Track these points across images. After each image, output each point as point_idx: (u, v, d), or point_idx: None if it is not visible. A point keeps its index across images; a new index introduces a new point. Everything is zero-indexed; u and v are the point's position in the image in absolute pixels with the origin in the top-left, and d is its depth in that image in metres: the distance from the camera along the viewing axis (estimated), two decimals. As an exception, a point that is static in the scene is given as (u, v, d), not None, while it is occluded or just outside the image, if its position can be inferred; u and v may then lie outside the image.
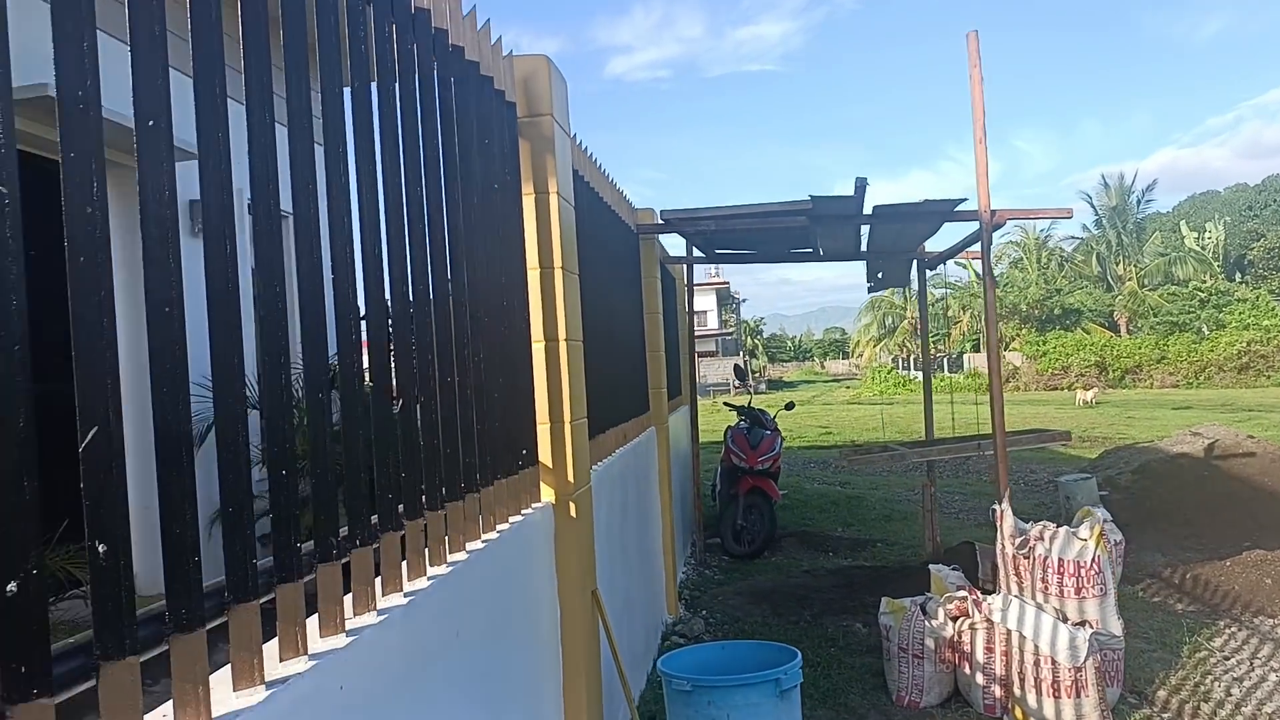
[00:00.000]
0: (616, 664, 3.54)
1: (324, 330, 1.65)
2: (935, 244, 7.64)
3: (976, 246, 6.54)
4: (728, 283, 53.74)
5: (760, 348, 67.14)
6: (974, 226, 6.30)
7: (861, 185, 5.46)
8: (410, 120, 2.21)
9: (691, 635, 5.88)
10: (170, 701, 1.21)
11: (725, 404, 9.78)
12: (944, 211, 6.14)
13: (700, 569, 7.73)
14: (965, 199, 5.80)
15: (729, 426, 9.06)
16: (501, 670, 2.55)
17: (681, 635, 5.89)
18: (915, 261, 7.80)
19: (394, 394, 1.99)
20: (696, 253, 7.97)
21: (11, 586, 0.94)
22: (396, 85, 2.14)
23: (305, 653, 1.49)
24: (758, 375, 48.58)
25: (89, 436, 1.07)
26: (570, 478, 3.24)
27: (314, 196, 1.64)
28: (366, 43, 1.95)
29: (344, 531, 1.71)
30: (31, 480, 0.96)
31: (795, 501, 10.56)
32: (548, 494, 3.22)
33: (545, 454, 3.22)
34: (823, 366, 75.73)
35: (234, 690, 1.34)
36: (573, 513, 3.24)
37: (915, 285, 8.22)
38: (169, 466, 1.21)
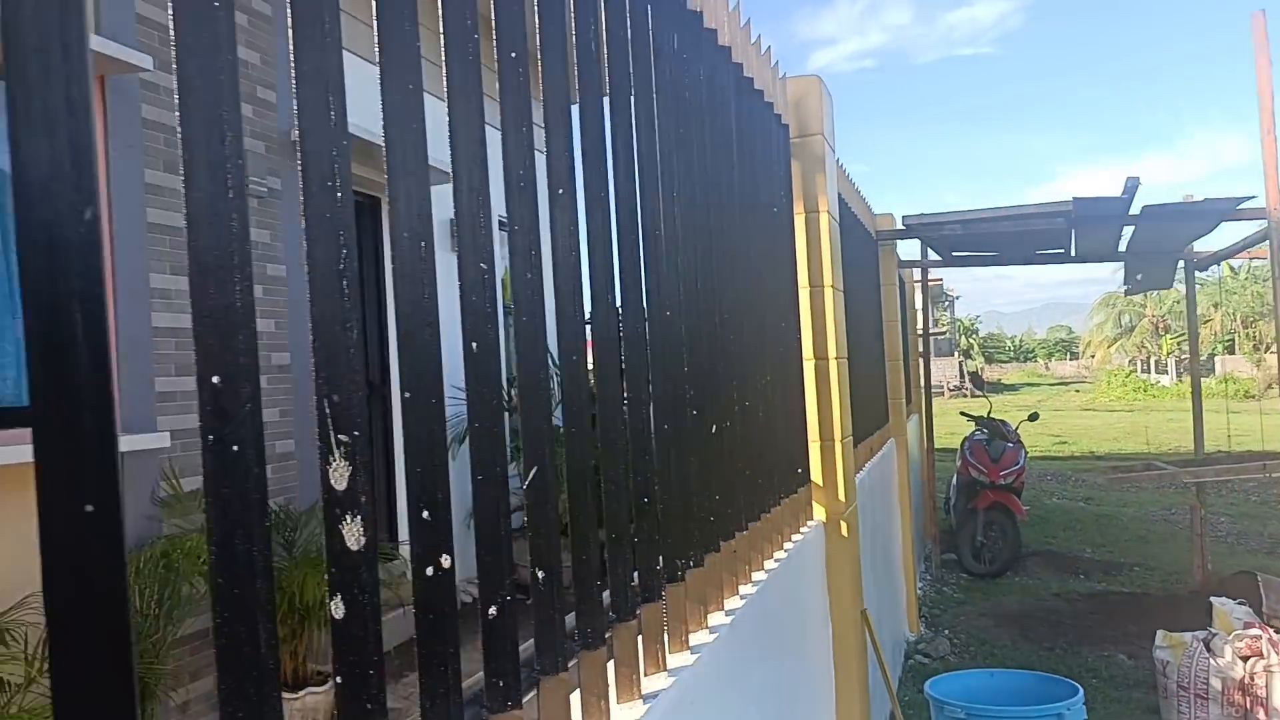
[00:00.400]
0: (888, 688, 3.50)
1: (676, 362, 1.76)
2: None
3: (1259, 245, 5.95)
4: (940, 279, 51.26)
5: (975, 348, 63.66)
6: (1253, 225, 5.74)
7: (1132, 186, 5.10)
8: (722, 152, 2.30)
9: (936, 656, 5.70)
10: (579, 711, 1.34)
11: (963, 414, 9.38)
12: (1224, 210, 5.62)
13: (938, 586, 7.46)
14: (1253, 196, 5.29)
15: (965, 437, 8.68)
16: (791, 684, 2.60)
17: (925, 655, 5.72)
18: (1182, 262, 7.16)
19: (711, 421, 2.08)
20: (931, 255, 7.72)
21: (492, 611, 1.08)
22: (709, 120, 2.23)
23: (665, 669, 1.59)
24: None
25: (530, 475, 1.20)
26: (841, 496, 3.25)
27: (637, 237, 1.75)
28: (692, 88, 2.05)
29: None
30: (505, 517, 1.10)
31: (1035, 517, 9.95)
32: (819, 513, 3.23)
33: (815, 473, 3.24)
34: (1047, 368, 70.70)
35: (617, 702, 1.45)
36: (843, 532, 3.24)
37: (1178, 287, 7.56)
38: (577, 501, 1.33)
